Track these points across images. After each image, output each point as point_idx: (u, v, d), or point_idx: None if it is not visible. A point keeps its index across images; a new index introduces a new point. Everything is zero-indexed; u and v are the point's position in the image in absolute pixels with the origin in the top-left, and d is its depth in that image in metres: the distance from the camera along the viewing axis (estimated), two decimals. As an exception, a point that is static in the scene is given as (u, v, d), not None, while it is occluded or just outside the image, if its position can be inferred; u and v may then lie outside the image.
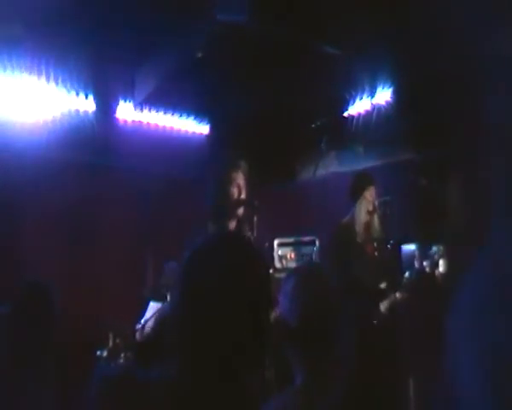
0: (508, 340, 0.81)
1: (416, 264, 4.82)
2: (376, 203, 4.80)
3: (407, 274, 4.65)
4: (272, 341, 1.31)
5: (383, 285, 4.60)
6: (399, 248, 4.97)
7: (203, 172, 5.63)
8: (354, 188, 4.89)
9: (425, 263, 4.79)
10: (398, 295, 4.43)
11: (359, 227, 4.81)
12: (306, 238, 5.85)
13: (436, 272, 4.72)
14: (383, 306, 4.43)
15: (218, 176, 4.06)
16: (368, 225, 4.82)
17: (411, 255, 4.94)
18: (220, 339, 1.18)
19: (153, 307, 4.41)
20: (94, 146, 5.37)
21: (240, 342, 1.20)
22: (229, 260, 1.25)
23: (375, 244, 4.81)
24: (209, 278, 1.21)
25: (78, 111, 5.30)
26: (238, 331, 1.19)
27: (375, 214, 4.81)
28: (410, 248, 5.03)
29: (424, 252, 4.85)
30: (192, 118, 6.44)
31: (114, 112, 5.58)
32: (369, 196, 4.81)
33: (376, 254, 4.77)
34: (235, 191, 4.00)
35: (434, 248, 4.83)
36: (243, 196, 4.04)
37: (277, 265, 5.73)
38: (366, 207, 4.79)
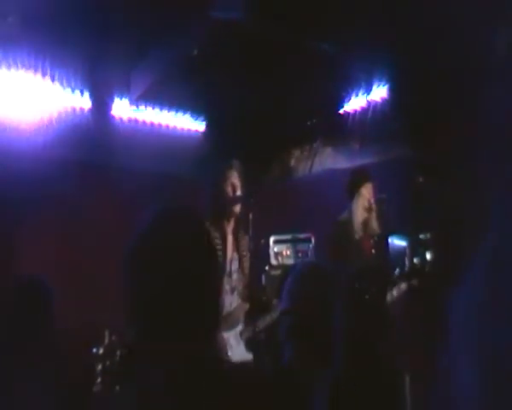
0: (506, 340, 0.81)
1: (407, 261, 4.83)
2: (373, 200, 4.82)
3: (397, 271, 4.66)
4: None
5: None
6: (386, 242, 4.98)
7: (199, 170, 5.65)
8: (351, 184, 4.91)
9: (415, 260, 4.80)
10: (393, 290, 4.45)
11: (357, 224, 4.84)
12: (302, 235, 5.85)
13: (427, 269, 4.74)
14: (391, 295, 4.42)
15: (213, 176, 4.09)
16: (365, 222, 4.85)
17: (402, 252, 4.95)
18: (171, 311, 1.22)
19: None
20: (90, 144, 5.37)
21: (191, 312, 1.24)
22: (173, 237, 1.28)
23: (373, 241, 4.83)
24: (155, 257, 1.25)
25: (73, 108, 5.29)
26: (188, 304, 1.23)
27: (373, 211, 4.83)
28: (400, 244, 5.04)
29: (415, 249, 4.87)
30: (188, 115, 6.44)
31: (110, 109, 5.57)
32: (366, 193, 4.83)
33: (374, 251, 4.79)
34: (229, 190, 4.02)
35: (425, 245, 4.85)
36: (238, 193, 4.07)
37: (273, 262, 5.72)
38: (363, 204, 4.81)
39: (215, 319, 1.31)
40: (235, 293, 4.11)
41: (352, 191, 4.88)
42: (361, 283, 4.42)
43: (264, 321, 4.00)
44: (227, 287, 4.05)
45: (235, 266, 4.14)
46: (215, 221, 4.07)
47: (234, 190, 4.06)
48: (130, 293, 1.25)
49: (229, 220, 4.15)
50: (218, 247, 4.01)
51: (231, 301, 4.06)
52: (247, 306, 4.12)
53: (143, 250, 1.27)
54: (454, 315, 0.93)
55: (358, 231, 4.86)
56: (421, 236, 4.86)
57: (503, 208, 0.92)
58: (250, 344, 4.05)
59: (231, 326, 3.99)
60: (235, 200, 4.06)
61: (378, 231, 4.86)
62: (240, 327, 4.04)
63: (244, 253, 4.20)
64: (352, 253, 4.72)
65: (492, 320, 0.85)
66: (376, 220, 4.87)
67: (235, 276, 4.13)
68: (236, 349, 3.95)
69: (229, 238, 4.15)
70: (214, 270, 1.32)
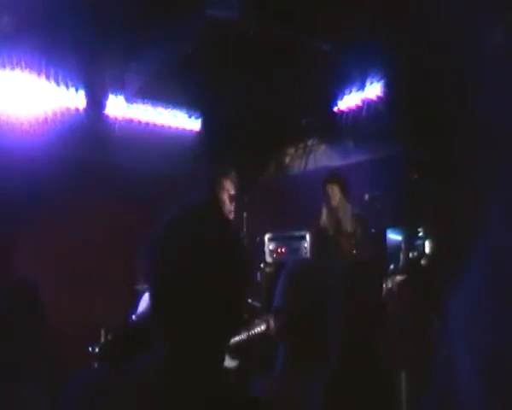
0: (505, 340, 0.82)
1: (402, 257, 4.88)
2: (336, 202, 4.95)
3: (392, 266, 4.71)
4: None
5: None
6: (384, 235, 5.06)
7: (194, 168, 5.65)
8: (322, 185, 5.15)
9: (411, 255, 4.85)
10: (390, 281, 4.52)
11: (327, 222, 5.07)
12: (297, 232, 5.85)
13: (422, 263, 4.79)
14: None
15: (209, 186, 4.14)
16: (331, 222, 5.05)
17: (397, 247, 4.99)
18: (198, 313, 1.19)
19: (145, 300, 4.42)
20: (85, 142, 5.36)
21: (218, 315, 1.21)
22: (202, 234, 1.24)
23: (352, 240, 4.99)
24: (183, 253, 1.21)
25: (69, 107, 5.28)
26: (217, 306, 1.20)
27: (336, 212, 5.03)
28: (396, 238, 5.09)
29: (410, 244, 4.91)
30: (183, 113, 6.44)
31: (105, 108, 5.56)
32: (330, 193, 5.07)
33: (354, 251, 4.94)
34: (225, 198, 4.07)
35: (421, 240, 4.89)
36: (234, 203, 4.12)
37: (268, 259, 5.73)
38: (326, 204, 5.09)
39: (240, 322, 1.30)
40: None
41: (322, 188, 5.13)
42: (358, 278, 4.46)
43: (247, 333, 4.04)
44: None
45: None
46: None
47: (230, 200, 4.10)
48: (155, 292, 1.23)
49: None
50: None
51: None
52: None
53: (170, 249, 1.25)
54: (452, 313, 0.94)
55: (330, 230, 5.10)
56: (417, 231, 4.91)
57: (503, 207, 0.92)
58: (233, 352, 4.10)
59: None
60: (232, 204, 4.10)
61: (347, 229, 4.99)
62: None
63: None
64: (329, 249, 4.90)
65: (491, 318, 0.86)
66: (344, 220, 5.05)
67: None
68: None
69: None
70: (242, 271, 1.30)
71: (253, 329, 3.98)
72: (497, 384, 0.82)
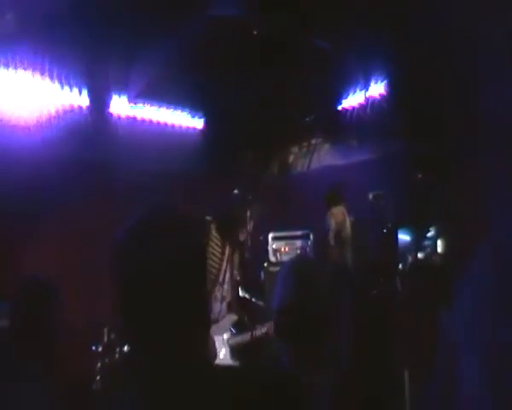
0: (509, 338, 0.82)
1: (410, 257, 4.89)
2: (343, 220, 5.13)
3: (400, 266, 4.71)
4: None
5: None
6: (396, 234, 5.09)
7: (198, 168, 5.65)
8: (325, 201, 5.34)
9: (420, 255, 4.86)
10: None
11: (331, 236, 5.27)
12: (300, 232, 5.86)
13: (430, 263, 4.80)
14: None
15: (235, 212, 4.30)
16: (337, 240, 5.26)
17: (405, 247, 4.99)
18: (160, 315, 1.19)
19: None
20: (88, 142, 5.36)
21: (180, 314, 1.20)
22: (163, 238, 1.23)
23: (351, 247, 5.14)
24: (144, 257, 1.20)
25: (72, 107, 5.28)
26: (177, 305, 1.20)
27: (344, 230, 5.20)
28: (404, 238, 5.10)
29: (418, 244, 4.92)
30: (187, 113, 6.44)
31: (109, 107, 5.56)
32: (336, 214, 5.24)
33: (354, 256, 5.08)
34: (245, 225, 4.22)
35: (428, 241, 4.89)
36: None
37: (272, 258, 5.74)
38: (334, 224, 5.26)
39: (202, 320, 1.29)
40: (224, 304, 4.23)
41: (327, 207, 5.27)
42: (368, 279, 4.51)
43: (245, 337, 4.09)
44: (218, 294, 4.14)
45: (227, 277, 4.26)
46: (221, 233, 4.21)
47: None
48: (117, 292, 1.22)
49: (232, 245, 4.29)
50: (217, 254, 4.12)
51: (220, 310, 4.15)
52: (234, 317, 4.23)
53: (130, 248, 1.24)
54: (456, 312, 0.94)
55: (332, 242, 5.27)
56: (424, 231, 4.92)
57: (504, 206, 0.92)
58: (234, 353, 4.16)
59: (217, 333, 4.07)
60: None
61: (350, 250, 5.18)
62: (226, 335, 4.14)
63: (235, 273, 4.34)
64: (331, 255, 5.09)
65: (499, 321, 0.85)
66: (344, 230, 5.16)
67: (225, 286, 4.23)
68: (220, 354, 4.08)
69: (228, 251, 4.25)
70: (200, 270, 1.30)
71: (255, 332, 4.01)
72: (501, 383, 0.81)
